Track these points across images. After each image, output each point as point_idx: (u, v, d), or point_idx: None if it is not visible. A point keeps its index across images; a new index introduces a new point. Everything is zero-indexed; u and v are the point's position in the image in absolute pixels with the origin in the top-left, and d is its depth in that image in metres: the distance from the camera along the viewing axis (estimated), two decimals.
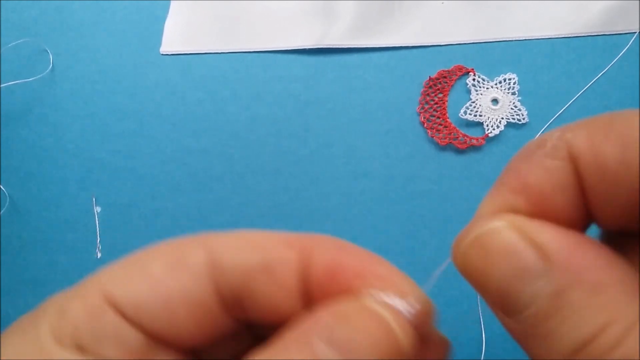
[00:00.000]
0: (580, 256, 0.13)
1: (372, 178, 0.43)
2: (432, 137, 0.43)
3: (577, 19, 0.44)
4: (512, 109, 0.43)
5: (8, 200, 0.45)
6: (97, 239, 0.43)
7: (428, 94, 0.44)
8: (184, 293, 0.15)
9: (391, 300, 0.15)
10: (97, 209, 0.44)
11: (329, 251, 0.16)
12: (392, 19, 0.46)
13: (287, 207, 0.43)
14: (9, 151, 0.46)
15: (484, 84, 0.44)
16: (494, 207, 0.15)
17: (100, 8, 0.49)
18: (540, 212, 0.14)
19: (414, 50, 0.45)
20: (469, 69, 0.44)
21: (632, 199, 0.13)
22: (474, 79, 0.44)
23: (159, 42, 0.48)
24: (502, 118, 0.43)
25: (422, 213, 0.41)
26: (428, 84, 0.44)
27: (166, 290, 0.15)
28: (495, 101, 0.43)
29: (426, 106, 0.44)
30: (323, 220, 0.42)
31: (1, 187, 0.45)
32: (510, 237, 0.14)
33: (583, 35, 0.44)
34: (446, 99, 0.44)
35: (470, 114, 0.43)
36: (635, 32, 0.43)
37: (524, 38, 0.44)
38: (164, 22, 0.48)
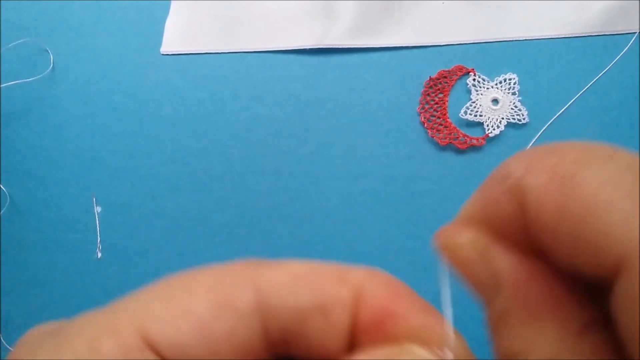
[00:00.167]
0: (529, 287, 0.14)
1: (372, 178, 0.43)
2: (432, 137, 0.43)
3: (577, 19, 0.44)
4: (512, 109, 0.43)
5: (8, 200, 0.45)
6: (97, 239, 0.43)
7: (428, 94, 0.44)
8: (230, 337, 0.14)
9: (433, 355, 0.14)
10: (97, 209, 0.44)
11: (381, 293, 0.15)
12: (392, 19, 0.46)
13: (287, 207, 0.43)
14: (9, 151, 0.46)
15: (484, 84, 0.44)
16: (467, 215, 0.17)
17: (100, 8, 0.49)
18: (501, 238, 0.15)
19: (414, 50, 0.45)
20: (469, 69, 0.44)
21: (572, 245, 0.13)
22: (474, 79, 0.44)
23: (159, 42, 0.48)
24: (503, 118, 0.43)
25: (422, 213, 0.41)
26: (428, 84, 0.44)
27: (211, 333, 0.14)
28: (495, 101, 0.43)
29: (426, 106, 0.44)
30: (323, 220, 0.42)
31: (1, 187, 0.45)
32: (469, 255, 0.15)
33: (583, 35, 0.44)
34: (446, 99, 0.44)
35: (470, 114, 0.43)
36: (635, 32, 0.43)
37: (524, 38, 0.44)
38: (164, 22, 0.48)
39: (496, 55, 0.44)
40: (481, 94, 0.43)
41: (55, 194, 0.45)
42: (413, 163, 0.43)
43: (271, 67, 0.46)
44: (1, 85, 0.47)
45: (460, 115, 0.43)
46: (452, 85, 0.44)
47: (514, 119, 0.43)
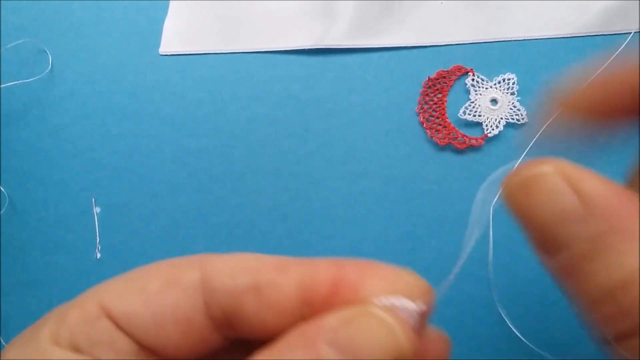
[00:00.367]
0: (620, 206, 0.14)
1: (372, 178, 0.43)
2: (432, 137, 0.43)
3: (576, 19, 0.44)
4: (511, 109, 0.43)
5: (8, 200, 0.44)
6: (96, 239, 0.43)
7: (427, 94, 0.44)
8: (174, 310, 0.16)
9: (395, 302, 0.16)
10: (97, 209, 0.44)
11: (329, 269, 0.17)
12: (391, 19, 0.46)
13: (287, 207, 0.43)
14: (9, 151, 0.46)
15: (483, 84, 0.44)
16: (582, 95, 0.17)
17: (99, 8, 0.49)
18: None
19: (414, 51, 0.45)
20: (468, 69, 0.44)
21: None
22: (473, 79, 0.44)
23: (158, 42, 0.48)
24: (502, 118, 0.43)
25: (422, 213, 0.42)
26: (427, 84, 0.44)
27: (158, 305, 0.16)
28: (494, 101, 0.43)
29: (425, 106, 0.44)
30: (323, 220, 0.42)
31: (1, 187, 0.45)
32: (555, 182, 0.16)
33: (582, 35, 0.44)
34: (445, 99, 0.44)
35: (469, 114, 0.43)
36: (633, 32, 0.43)
37: (523, 38, 0.45)
38: (163, 23, 0.48)
39: (495, 55, 0.45)
40: (480, 94, 0.44)
41: (54, 194, 0.45)
42: (412, 163, 0.43)
43: (271, 67, 0.46)
44: (1, 86, 0.47)
45: (459, 115, 0.43)
46: (451, 86, 0.44)
47: (513, 119, 0.43)
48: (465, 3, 0.46)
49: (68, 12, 0.49)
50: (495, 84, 0.44)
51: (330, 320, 0.15)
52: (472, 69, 0.44)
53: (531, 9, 0.45)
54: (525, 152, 0.42)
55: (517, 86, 0.43)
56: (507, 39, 0.45)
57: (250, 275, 0.17)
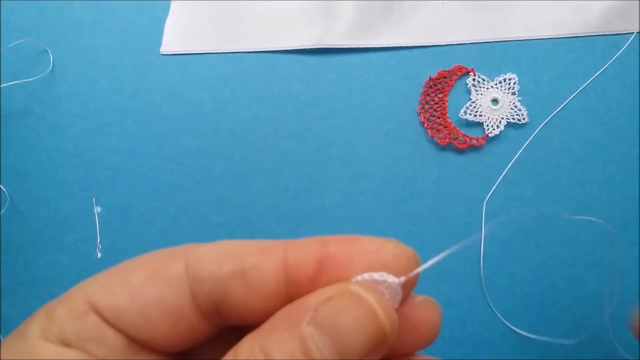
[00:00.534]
0: None
1: (372, 178, 0.43)
2: (432, 137, 0.43)
3: (577, 19, 0.44)
4: (512, 109, 0.43)
5: (8, 200, 0.45)
6: (97, 239, 0.43)
7: (428, 94, 0.44)
8: (161, 302, 0.16)
9: (377, 277, 0.16)
10: (97, 209, 0.44)
11: (313, 248, 0.17)
12: (392, 19, 0.46)
13: (287, 207, 0.43)
14: (9, 151, 0.46)
15: (484, 84, 0.44)
16: None
17: (100, 8, 0.49)
18: None
19: (414, 50, 0.45)
20: (469, 69, 0.44)
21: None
22: (474, 79, 0.44)
23: (159, 42, 0.48)
24: (502, 118, 0.43)
25: (422, 213, 0.41)
26: (428, 84, 0.44)
27: (144, 298, 0.16)
28: (495, 101, 0.43)
29: (426, 106, 0.44)
30: (323, 220, 0.42)
31: (1, 187, 0.45)
32: None
33: (583, 35, 0.44)
34: (446, 99, 0.44)
35: (470, 114, 0.43)
36: (634, 32, 0.43)
37: (524, 38, 0.44)
38: (164, 22, 0.48)
39: (496, 55, 0.44)
40: (481, 94, 0.43)
41: (55, 194, 0.45)
42: (413, 163, 0.43)
43: (271, 67, 0.46)
44: (1, 86, 0.47)
45: (460, 115, 0.43)
46: (452, 85, 0.44)
47: (514, 118, 0.43)
48: (466, 3, 0.46)
49: (69, 12, 0.49)
50: (496, 84, 0.44)
51: (312, 300, 0.15)
52: (473, 69, 0.44)
53: (532, 9, 0.45)
54: (522, 150, 0.42)
55: (518, 86, 0.43)
56: (508, 39, 0.45)
57: (234, 260, 0.17)
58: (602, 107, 0.42)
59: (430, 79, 0.44)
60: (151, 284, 0.17)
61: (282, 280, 0.16)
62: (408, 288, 0.17)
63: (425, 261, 0.17)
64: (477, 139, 0.42)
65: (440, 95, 0.44)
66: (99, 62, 0.48)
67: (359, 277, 0.16)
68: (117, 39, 0.48)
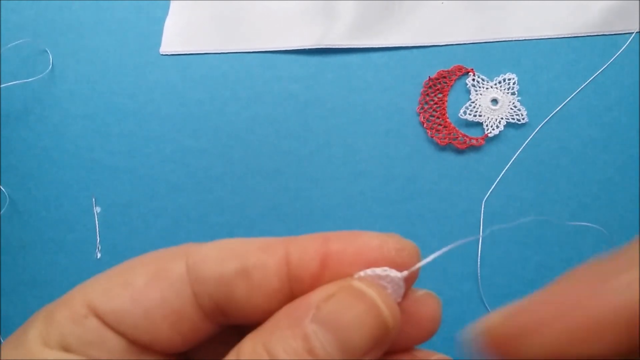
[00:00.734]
0: None
1: (372, 178, 0.43)
2: (432, 137, 0.43)
3: (576, 19, 0.44)
4: (511, 109, 0.43)
5: (8, 200, 0.45)
6: (97, 239, 0.43)
7: (428, 94, 0.44)
8: (163, 303, 0.16)
9: (380, 272, 0.16)
10: (97, 209, 0.44)
11: (316, 245, 0.16)
12: (392, 19, 0.46)
13: (287, 207, 0.43)
14: (9, 151, 0.46)
15: (483, 84, 0.44)
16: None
17: (100, 8, 0.49)
18: None
19: (414, 50, 0.45)
20: (469, 69, 0.44)
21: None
22: (473, 79, 0.44)
23: (158, 42, 0.48)
24: (502, 118, 0.43)
25: (422, 213, 0.42)
26: (428, 84, 0.44)
27: (146, 300, 0.16)
28: (494, 101, 0.43)
29: (426, 106, 0.44)
30: (323, 220, 0.42)
31: (1, 187, 0.45)
32: None
33: (583, 35, 0.44)
34: (446, 99, 0.44)
35: (469, 114, 0.43)
36: (634, 32, 0.43)
37: (523, 38, 0.45)
38: (164, 22, 0.48)
39: (495, 55, 0.45)
40: (480, 94, 0.43)
41: (54, 194, 0.45)
42: (413, 163, 0.43)
43: (271, 67, 0.46)
44: (1, 86, 0.47)
45: (459, 115, 0.43)
46: (452, 85, 0.44)
47: (514, 118, 0.43)
48: (465, 3, 0.46)
49: (69, 12, 0.49)
50: (495, 84, 0.44)
51: (314, 298, 0.15)
52: (472, 69, 0.44)
53: (531, 9, 0.45)
54: (521, 150, 0.42)
55: (518, 86, 0.43)
56: (507, 39, 0.45)
57: (236, 259, 0.16)
58: (601, 107, 0.42)
59: (430, 79, 0.44)
60: (152, 285, 0.16)
61: (285, 277, 0.16)
62: (409, 282, 0.17)
63: (424, 258, 0.17)
64: (477, 139, 0.42)
65: (440, 95, 0.44)
66: (98, 62, 0.48)
67: (362, 273, 0.16)
68: (116, 39, 0.48)
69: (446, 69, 0.44)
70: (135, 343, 0.16)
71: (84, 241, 0.43)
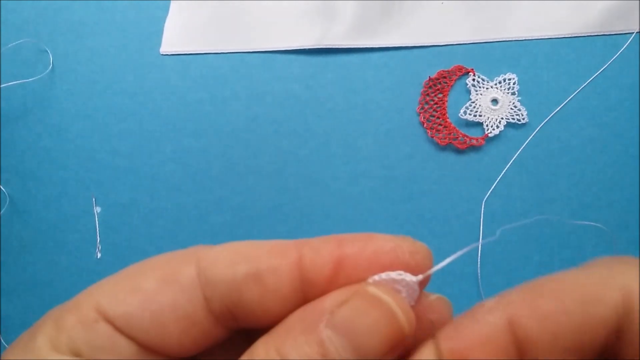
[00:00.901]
0: None
1: (372, 178, 0.43)
2: (432, 137, 0.43)
3: (577, 19, 0.44)
4: (511, 109, 0.43)
5: (8, 200, 0.45)
6: (97, 239, 0.43)
7: (428, 94, 0.44)
8: (174, 308, 0.16)
9: (395, 276, 0.16)
10: (97, 209, 0.44)
11: (329, 248, 0.16)
12: (392, 19, 0.46)
13: (287, 207, 0.43)
14: (9, 151, 0.46)
15: (483, 84, 0.44)
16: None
17: (100, 8, 0.49)
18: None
19: (414, 50, 0.45)
20: (469, 69, 0.44)
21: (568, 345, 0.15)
22: (473, 79, 0.44)
23: (158, 42, 0.48)
24: (502, 118, 0.43)
25: (422, 213, 0.42)
26: (428, 84, 0.44)
27: (156, 305, 0.16)
28: (495, 101, 0.43)
29: (426, 106, 0.44)
30: (323, 220, 0.42)
31: (1, 187, 0.45)
32: None
33: (583, 35, 0.44)
34: (446, 99, 0.44)
35: (470, 114, 0.43)
36: (634, 32, 0.43)
37: (523, 38, 0.45)
38: (164, 22, 0.48)
39: (496, 55, 0.45)
40: (481, 94, 0.43)
41: (54, 194, 0.45)
42: (413, 163, 0.43)
43: (271, 67, 0.46)
44: (1, 86, 0.47)
45: (459, 115, 0.43)
46: (452, 85, 0.44)
47: (514, 118, 0.43)
48: (465, 3, 0.46)
49: (69, 12, 0.49)
50: (495, 84, 0.44)
51: (328, 302, 0.15)
52: (472, 69, 0.44)
53: (532, 9, 0.45)
54: (521, 150, 0.42)
55: (518, 86, 0.43)
56: (507, 39, 0.45)
57: (248, 263, 0.16)
58: (602, 107, 0.42)
59: (430, 79, 0.44)
60: (163, 289, 0.16)
61: (297, 281, 0.16)
62: (422, 285, 0.17)
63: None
64: (477, 139, 0.42)
65: (440, 95, 0.44)
66: (98, 62, 0.48)
67: (376, 277, 0.16)
68: (116, 39, 0.48)
69: (446, 69, 0.44)
70: (146, 347, 0.16)
71: (84, 241, 0.43)
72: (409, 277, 0.16)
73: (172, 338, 0.16)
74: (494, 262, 0.40)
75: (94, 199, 0.44)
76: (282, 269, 0.16)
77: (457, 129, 0.43)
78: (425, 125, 0.43)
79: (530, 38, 0.44)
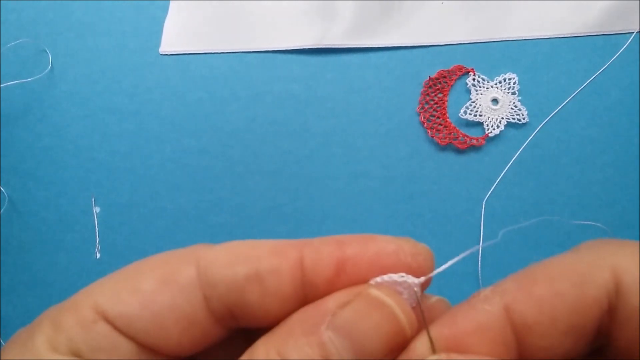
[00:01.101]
0: None
1: (372, 178, 0.43)
2: (432, 137, 0.43)
3: (577, 19, 0.44)
4: (512, 108, 0.43)
5: (8, 200, 0.44)
6: (96, 239, 0.43)
7: (428, 94, 0.44)
8: (173, 308, 0.16)
9: (397, 278, 0.16)
10: (97, 209, 0.44)
11: (331, 249, 0.16)
12: (392, 19, 0.46)
13: (287, 207, 0.43)
14: (8, 151, 0.46)
15: (484, 83, 0.44)
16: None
17: (99, 8, 0.49)
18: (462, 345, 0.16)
19: (414, 50, 0.45)
20: (469, 68, 0.44)
21: (566, 331, 0.15)
22: (474, 79, 0.44)
23: (158, 42, 0.48)
24: (502, 118, 0.43)
25: (422, 213, 0.41)
26: (428, 83, 0.44)
27: (156, 305, 0.16)
28: (495, 101, 0.43)
29: (426, 106, 0.44)
30: (323, 220, 0.42)
31: (1, 187, 0.45)
32: None
33: (583, 35, 0.44)
34: (446, 98, 0.44)
35: (470, 114, 0.43)
36: (634, 32, 0.43)
37: (524, 38, 0.44)
38: (163, 22, 0.48)
39: (496, 55, 0.44)
40: (481, 94, 0.43)
41: (54, 194, 0.45)
42: (413, 163, 0.43)
43: (271, 67, 0.46)
44: (1, 85, 0.47)
45: (460, 115, 0.43)
46: (452, 85, 0.44)
47: (514, 118, 0.43)
48: (465, 3, 0.46)
49: (68, 12, 0.49)
50: (496, 84, 0.44)
51: (330, 304, 0.15)
52: (472, 69, 0.44)
53: (531, 9, 0.45)
54: (521, 150, 0.42)
55: (518, 86, 0.43)
56: (507, 39, 0.45)
57: (249, 263, 0.16)
58: (602, 107, 0.42)
59: (430, 79, 0.44)
60: (162, 289, 0.16)
61: (298, 282, 0.16)
62: (424, 287, 0.17)
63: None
64: (477, 139, 0.42)
65: (440, 95, 0.44)
66: (98, 62, 0.48)
67: (378, 279, 0.16)
68: (116, 39, 0.48)
69: (446, 69, 0.44)
70: (145, 347, 0.16)
71: (83, 241, 0.43)
72: (411, 280, 0.16)
73: (171, 338, 0.16)
74: (495, 262, 0.40)
75: (93, 199, 0.44)
76: (283, 270, 0.16)
77: (457, 128, 0.43)
78: (425, 125, 0.43)
79: (530, 38, 0.44)
